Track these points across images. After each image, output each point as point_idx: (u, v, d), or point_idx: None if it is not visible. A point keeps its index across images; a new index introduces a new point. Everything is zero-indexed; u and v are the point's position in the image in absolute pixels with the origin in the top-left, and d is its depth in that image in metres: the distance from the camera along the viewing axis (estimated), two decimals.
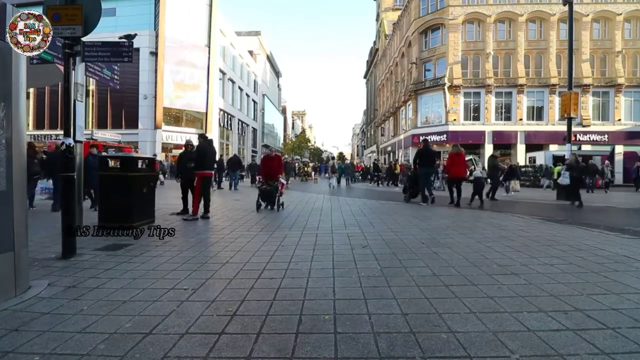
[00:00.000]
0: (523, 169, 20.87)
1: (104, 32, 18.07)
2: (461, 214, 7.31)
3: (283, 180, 8.39)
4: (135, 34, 4.51)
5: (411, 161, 11.11)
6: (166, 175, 19.00)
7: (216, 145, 19.36)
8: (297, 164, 28.94)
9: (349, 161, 25.97)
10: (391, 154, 38.79)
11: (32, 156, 7.59)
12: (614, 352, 1.75)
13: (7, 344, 1.88)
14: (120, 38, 4.63)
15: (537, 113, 26.92)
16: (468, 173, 11.88)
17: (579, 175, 9.89)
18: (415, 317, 2.19)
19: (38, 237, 4.53)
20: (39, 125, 26.82)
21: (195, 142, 7.10)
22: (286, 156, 36.89)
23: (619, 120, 26.39)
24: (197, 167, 6.59)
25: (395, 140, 36.06)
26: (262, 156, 11.48)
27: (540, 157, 22.22)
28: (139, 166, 5.74)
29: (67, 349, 1.82)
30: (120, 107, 26.12)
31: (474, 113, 27.25)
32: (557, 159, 19.08)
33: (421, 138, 27.12)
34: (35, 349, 1.82)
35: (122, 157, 5.87)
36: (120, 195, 5.20)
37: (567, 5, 11.64)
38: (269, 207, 7.92)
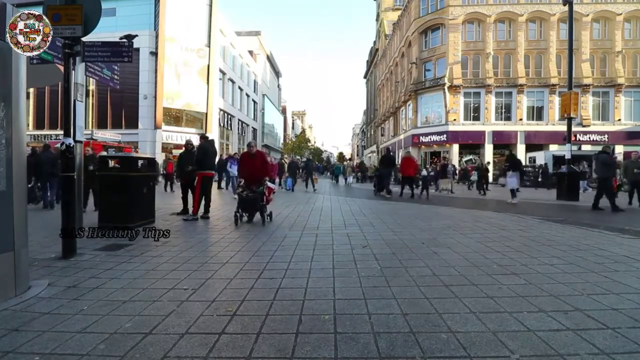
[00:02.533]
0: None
1: (104, 32, 18.03)
2: (461, 214, 7.32)
3: (272, 185, 6.45)
4: (136, 35, 4.48)
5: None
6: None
7: (216, 145, 19.28)
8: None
9: (351, 161, 26.21)
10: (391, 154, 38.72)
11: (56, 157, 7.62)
12: (614, 352, 1.75)
13: (7, 344, 1.88)
14: (121, 38, 4.63)
15: (537, 113, 26.90)
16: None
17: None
18: (415, 317, 2.19)
19: (38, 237, 4.53)
20: (39, 125, 26.81)
21: (196, 142, 7.10)
22: (288, 156, 36.74)
23: (619, 120, 26.38)
24: (198, 167, 6.59)
25: (395, 140, 36.04)
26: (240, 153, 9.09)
27: (540, 157, 22.23)
28: (139, 166, 5.74)
29: (67, 349, 1.83)
30: (120, 107, 26.10)
31: (474, 113, 27.23)
32: (557, 159, 19.07)
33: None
34: (35, 349, 1.82)
35: (121, 157, 5.87)
36: (119, 196, 5.20)
37: (567, 5, 11.62)
38: (252, 219, 6.18)
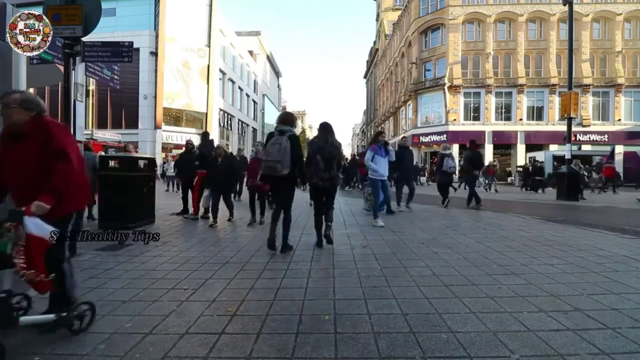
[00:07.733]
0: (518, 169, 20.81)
1: (104, 32, 18.09)
2: (462, 213, 7.31)
3: (37, 232, 1.66)
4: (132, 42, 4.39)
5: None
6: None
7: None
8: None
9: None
10: None
11: None
12: (614, 352, 1.75)
13: (7, 343, 1.87)
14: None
15: (537, 113, 26.90)
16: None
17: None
18: (415, 317, 2.19)
19: None
20: None
21: (196, 143, 7.10)
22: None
23: (619, 120, 26.38)
24: (200, 165, 6.61)
25: (395, 140, 36.04)
26: None
27: (540, 157, 22.22)
28: (139, 166, 5.73)
29: (67, 349, 1.83)
30: (120, 107, 26.11)
31: (474, 113, 27.23)
32: (557, 159, 19.06)
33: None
34: (35, 349, 1.82)
35: (121, 157, 5.86)
36: (119, 196, 5.19)
37: (567, 5, 11.62)
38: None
